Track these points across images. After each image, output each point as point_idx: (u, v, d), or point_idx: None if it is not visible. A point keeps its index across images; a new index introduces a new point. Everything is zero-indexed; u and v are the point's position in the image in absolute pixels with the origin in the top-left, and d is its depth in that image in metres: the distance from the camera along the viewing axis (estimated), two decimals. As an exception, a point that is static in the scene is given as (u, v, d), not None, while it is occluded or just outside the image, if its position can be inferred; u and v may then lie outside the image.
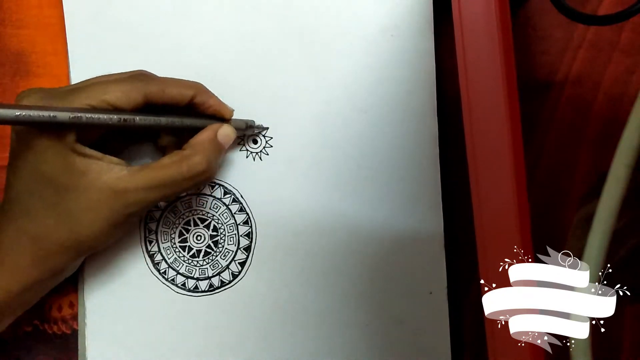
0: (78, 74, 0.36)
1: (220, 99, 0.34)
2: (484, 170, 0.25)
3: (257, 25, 0.36)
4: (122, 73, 0.33)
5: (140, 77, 0.32)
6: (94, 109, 0.29)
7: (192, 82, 0.33)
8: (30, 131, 0.29)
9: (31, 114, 0.27)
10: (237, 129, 0.34)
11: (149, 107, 0.32)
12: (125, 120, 0.30)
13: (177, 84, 0.33)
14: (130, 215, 0.31)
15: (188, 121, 0.33)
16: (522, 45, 0.37)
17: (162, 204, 0.36)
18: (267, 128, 0.36)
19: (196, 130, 0.33)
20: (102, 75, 0.32)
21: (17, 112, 0.27)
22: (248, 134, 0.36)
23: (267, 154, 0.36)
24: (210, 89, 0.34)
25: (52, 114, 0.28)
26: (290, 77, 0.36)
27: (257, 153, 0.36)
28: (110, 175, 0.30)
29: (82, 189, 0.30)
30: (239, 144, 0.36)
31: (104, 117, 0.29)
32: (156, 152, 0.35)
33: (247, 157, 0.36)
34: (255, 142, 0.36)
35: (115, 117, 0.30)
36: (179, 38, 0.36)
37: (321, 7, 0.36)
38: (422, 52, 0.36)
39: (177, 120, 0.32)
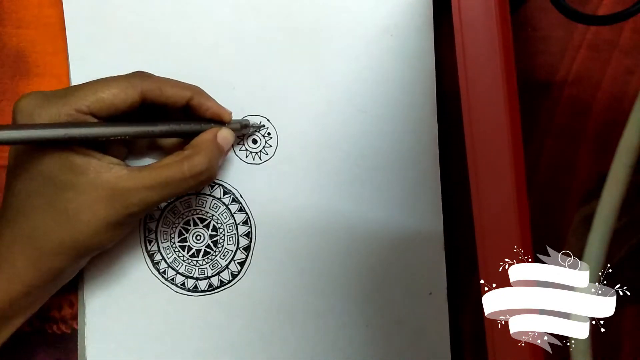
0: (78, 74, 0.36)
1: (219, 102, 0.34)
2: (484, 170, 0.25)
3: (257, 25, 0.36)
4: (120, 75, 0.33)
5: (137, 74, 0.32)
6: (78, 124, 0.29)
7: (191, 84, 0.33)
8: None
9: (11, 134, 0.28)
10: (232, 130, 0.34)
11: (146, 107, 0.32)
12: (114, 133, 0.30)
13: (175, 84, 0.32)
14: (129, 215, 0.30)
15: (186, 127, 0.32)
16: (522, 45, 0.37)
17: (161, 204, 0.36)
18: (263, 126, 0.36)
19: (194, 134, 0.33)
20: (103, 78, 0.32)
21: None
22: (244, 133, 0.36)
23: (267, 154, 0.36)
24: (209, 89, 0.34)
25: (29, 133, 0.28)
26: (290, 77, 0.36)
27: (256, 153, 0.36)
28: (111, 174, 0.30)
29: (81, 188, 0.29)
30: (238, 143, 0.36)
31: (86, 130, 0.29)
32: (158, 153, 0.35)
33: (246, 156, 0.36)
34: (254, 142, 0.36)
35: (105, 129, 0.30)
36: (179, 38, 0.36)
37: (321, 7, 0.36)
38: (422, 51, 0.36)
39: (174, 126, 0.32)
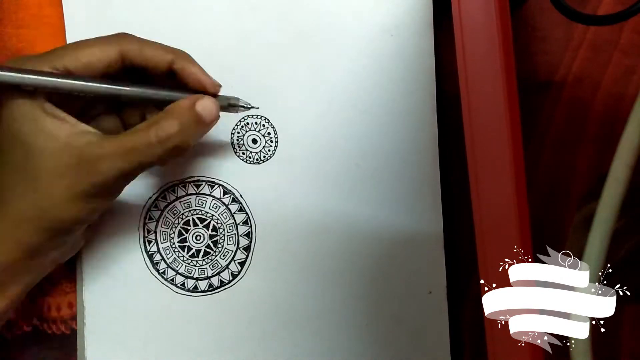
0: (78, 74, 0.36)
1: (205, 71, 0.31)
2: (484, 170, 0.25)
3: (257, 25, 0.36)
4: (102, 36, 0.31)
5: (119, 34, 0.30)
6: (36, 72, 0.28)
7: (176, 49, 0.31)
8: (1, 91, 0.28)
9: None
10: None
11: (129, 72, 0.30)
12: (72, 88, 0.28)
13: (157, 46, 0.30)
14: (96, 185, 0.28)
15: (163, 93, 0.30)
16: (522, 45, 0.37)
17: (161, 204, 0.36)
18: (257, 107, 0.34)
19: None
20: (85, 39, 0.31)
21: None
22: (232, 112, 0.33)
23: (267, 154, 0.36)
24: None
25: None
26: (290, 77, 0.36)
27: (256, 153, 0.36)
28: (82, 140, 0.28)
29: (51, 152, 0.28)
30: (238, 143, 0.36)
31: (49, 80, 0.28)
32: None
33: (246, 156, 0.36)
34: (254, 141, 0.36)
35: (62, 82, 0.28)
36: (178, 38, 0.36)
37: (321, 6, 0.36)
38: (422, 51, 0.36)
39: (147, 91, 0.30)
